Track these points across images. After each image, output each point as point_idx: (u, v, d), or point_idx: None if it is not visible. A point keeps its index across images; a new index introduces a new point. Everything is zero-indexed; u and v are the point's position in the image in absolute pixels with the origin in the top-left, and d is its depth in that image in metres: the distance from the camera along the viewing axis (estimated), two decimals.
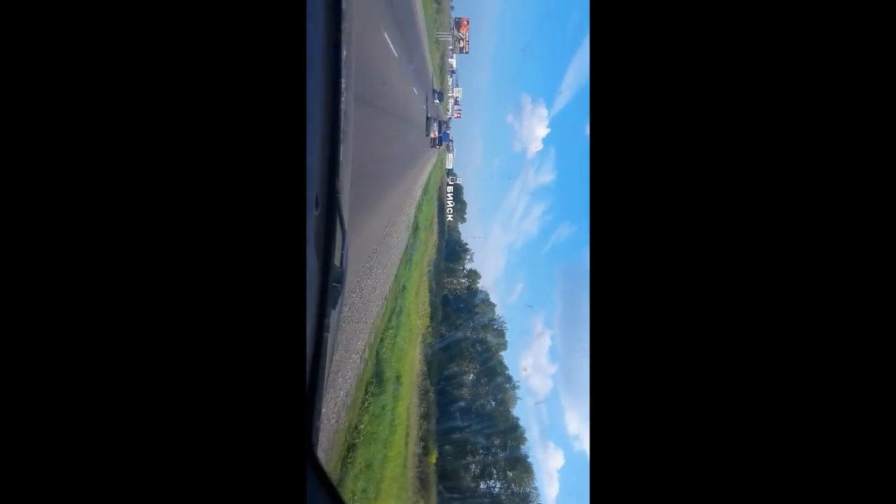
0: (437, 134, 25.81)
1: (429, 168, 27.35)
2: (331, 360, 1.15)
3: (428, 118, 23.23)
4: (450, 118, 44.26)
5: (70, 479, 0.54)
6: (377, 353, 8.78)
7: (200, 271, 0.60)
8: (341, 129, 1.13)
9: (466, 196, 65.29)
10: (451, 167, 55.42)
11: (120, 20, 0.56)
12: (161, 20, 0.58)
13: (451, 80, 52.64)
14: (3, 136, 0.53)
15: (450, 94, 50.41)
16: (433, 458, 19.43)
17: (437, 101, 30.91)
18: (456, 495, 25.26)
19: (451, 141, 47.96)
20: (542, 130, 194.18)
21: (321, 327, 1.06)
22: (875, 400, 0.56)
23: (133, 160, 0.58)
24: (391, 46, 9.72)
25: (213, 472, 0.59)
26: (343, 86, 1.14)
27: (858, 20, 0.57)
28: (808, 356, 0.59)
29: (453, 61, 53.57)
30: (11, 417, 0.53)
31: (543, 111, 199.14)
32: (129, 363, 0.57)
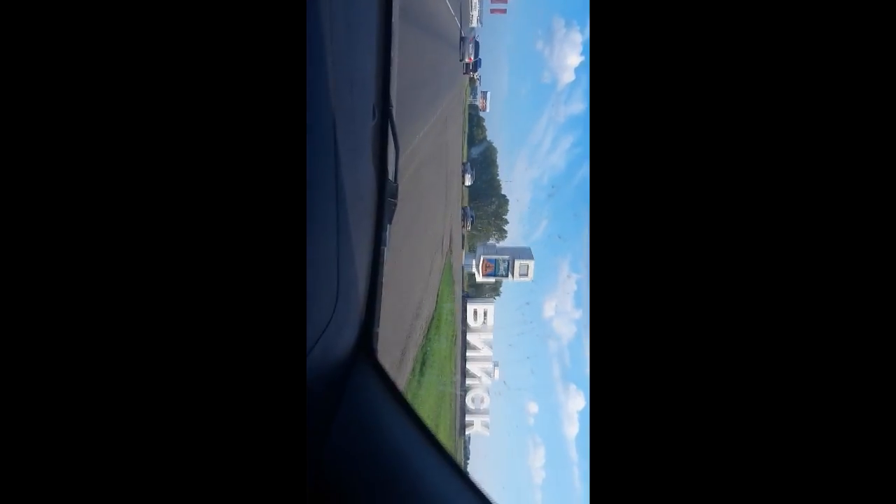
0: (472, 58, 22.04)
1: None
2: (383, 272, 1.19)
3: (462, 38, 20.58)
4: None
5: (67, 478, 0.53)
6: None
7: (193, 258, 0.58)
8: (393, 44, 1.15)
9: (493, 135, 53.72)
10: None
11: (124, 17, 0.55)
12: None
13: None
14: (3, 137, 0.53)
15: None
16: None
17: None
18: None
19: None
20: (574, 59, 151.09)
21: (379, 241, 1.13)
22: (875, 400, 0.56)
23: (135, 131, 0.57)
24: None
25: (209, 467, 0.57)
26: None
27: (858, 20, 0.57)
28: (809, 358, 0.59)
29: None
30: (10, 417, 0.52)
31: (578, 36, 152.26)
32: (127, 354, 0.56)
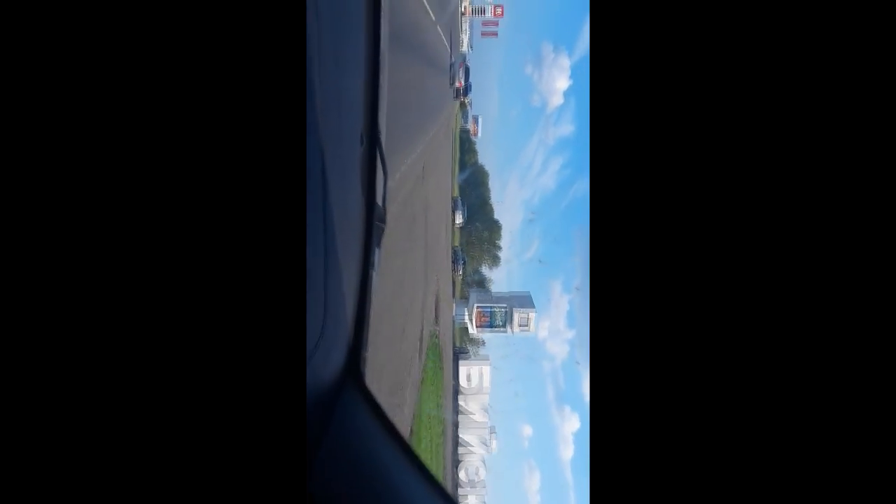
0: (462, 83, 21.57)
1: None
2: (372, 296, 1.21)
3: (452, 64, 19.08)
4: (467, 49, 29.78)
5: (67, 479, 0.54)
6: None
7: (191, 255, 0.58)
8: (382, 69, 1.17)
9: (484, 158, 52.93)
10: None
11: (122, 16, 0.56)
12: None
13: None
14: (3, 137, 0.53)
15: None
16: None
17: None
18: None
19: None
20: (563, 83, 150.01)
21: (367, 264, 1.13)
22: (875, 401, 0.57)
23: (135, 124, 0.57)
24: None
25: (209, 468, 0.57)
26: (383, 32, 1.17)
27: (859, 20, 0.58)
28: (810, 359, 0.59)
29: None
30: (11, 417, 0.53)
31: (566, 61, 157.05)
32: (127, 356, 0.56)
